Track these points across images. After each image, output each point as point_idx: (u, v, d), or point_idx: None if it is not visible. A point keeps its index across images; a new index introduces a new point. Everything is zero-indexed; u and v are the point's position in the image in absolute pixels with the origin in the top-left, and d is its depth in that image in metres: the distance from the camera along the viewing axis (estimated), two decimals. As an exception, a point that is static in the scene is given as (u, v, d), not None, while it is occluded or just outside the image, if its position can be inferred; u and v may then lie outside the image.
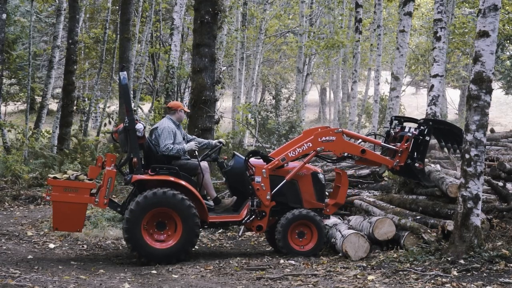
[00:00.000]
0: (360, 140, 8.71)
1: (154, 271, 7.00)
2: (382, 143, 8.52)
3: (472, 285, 5.81)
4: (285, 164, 8.01)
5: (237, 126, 21.46)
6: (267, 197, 7.86)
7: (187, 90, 22.58)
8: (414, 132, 8.11)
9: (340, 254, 7.58)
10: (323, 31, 24.72)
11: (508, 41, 26.47)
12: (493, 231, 7.39)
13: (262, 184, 7.87)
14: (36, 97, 27.41)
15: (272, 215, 8.00)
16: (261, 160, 8.10)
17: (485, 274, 6.10)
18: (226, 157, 8.84)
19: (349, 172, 10.61)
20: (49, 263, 7.28)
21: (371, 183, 10.45)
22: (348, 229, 7.85)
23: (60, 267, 7.06)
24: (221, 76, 19.64)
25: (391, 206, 8.72)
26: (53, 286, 5.97)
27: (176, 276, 6.78)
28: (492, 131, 11.66)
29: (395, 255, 7.10)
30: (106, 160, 7.74)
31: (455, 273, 6.16)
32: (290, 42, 28.43)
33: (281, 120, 19.77)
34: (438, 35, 11.18)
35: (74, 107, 21.14)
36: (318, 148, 8.02)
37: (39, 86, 26.74)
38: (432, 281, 5.98)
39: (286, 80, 37.61)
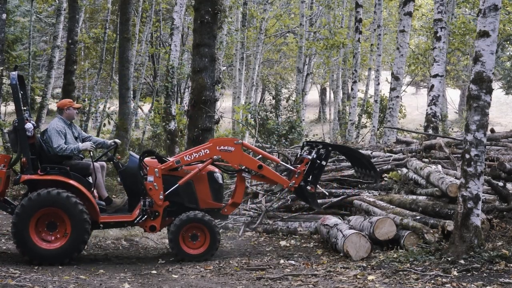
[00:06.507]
0: (259, 156, 8.60)
1: (154, 271, 7.01)
2: (281, 162, 8.51)
3: (472, 285, 5.80)
4: (179, 168, 7.90)
5: (237, 126, 21.46)
6: (160, 197, 7.74)
7: (187, 90, 22.58)
8: (313, 155, 8.05)
9: (341, 254, 7.57)
10: (322, 32, 24.72)
11: (508, 42, 26.46)
12: (493, 231, 7.40)
13: (154, 183, 7.74)
14: (36, 97, 27.39)
15: (168, 215, 7.90)
16: (157, 160, 8.01)
17: (485, 274, 6.10)
18: (119, 156, 8.75)
19: (350, 172, 10.60)
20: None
21: (371, 183, 10.44)
22: (349, 229, 7.84)
23: (60, 267, 7.06)
24: (221, 76, 19.65)
25: (391, 206, 8.71)
26: (53, 286, 5.97)
27: (176, 276, 6.78)
28: (492, 131, 11.61)
29: (395, 255, 7.10)
30: None
31: (455, 273, 6.16)
32: (290, 42, 28.42)
33: (281, 120, 19.75)
34: (438, 35, 11.20)
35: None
36: (214, 156, 7.94)
37: (39, 86, 26.74)
38: (432, 281, 5.98)
39: (286, 80, 37.57)
